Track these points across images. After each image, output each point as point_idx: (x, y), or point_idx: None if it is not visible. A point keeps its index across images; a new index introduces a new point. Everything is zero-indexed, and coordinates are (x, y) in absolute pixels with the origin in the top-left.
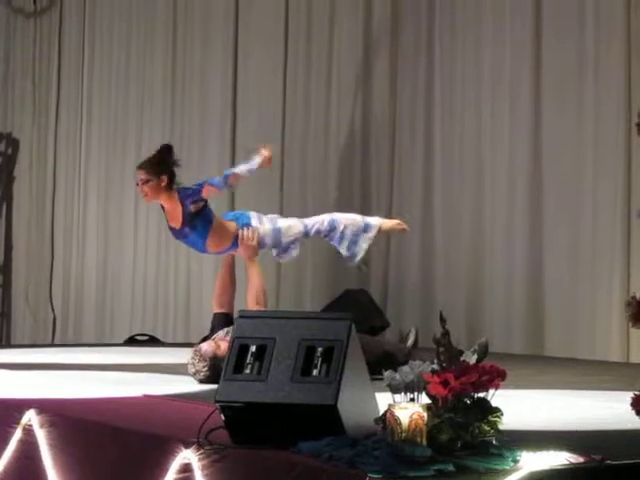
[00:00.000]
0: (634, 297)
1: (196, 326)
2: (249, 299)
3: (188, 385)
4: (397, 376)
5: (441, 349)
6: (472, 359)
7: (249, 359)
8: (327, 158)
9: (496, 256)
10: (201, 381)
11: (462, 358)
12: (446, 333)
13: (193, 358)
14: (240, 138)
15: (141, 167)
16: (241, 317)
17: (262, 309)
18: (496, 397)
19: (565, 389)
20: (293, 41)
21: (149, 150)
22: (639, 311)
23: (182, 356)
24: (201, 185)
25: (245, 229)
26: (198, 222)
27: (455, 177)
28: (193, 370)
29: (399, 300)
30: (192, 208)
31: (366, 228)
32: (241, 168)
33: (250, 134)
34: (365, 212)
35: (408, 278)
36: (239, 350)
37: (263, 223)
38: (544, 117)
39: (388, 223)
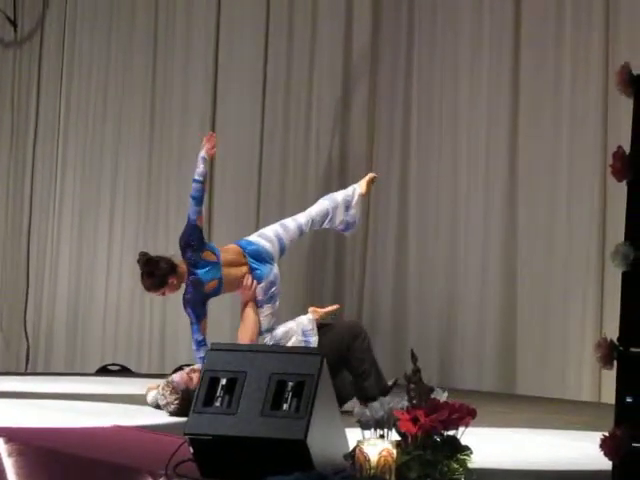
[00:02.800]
0: (604, 338)
1: (171, 356)
2: (244, 339)
3: (159, 416)
4: (367, 412)
5: (412, 386)
6: (442, 397)
7: (219, 392)
8: (305, 191)
9: (469, 293)
10: (171, 413)
11: (433, 395)
12: (417, 370)
13: (164, 389)
14: (218, 168)
15: (150, 290)
16: (213, 350)
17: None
18: (466, 435)
19: (535, 428)
20: (272, 76)
21: (125, 180)
22: (609, 352)
23: None
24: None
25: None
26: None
27: (430, 214)
28: (164, 402)
29: (372, 335)
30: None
31: (349, 203)
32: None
33: (228, 165)
34: (339, 245)
35: (381, 316)
36: (209, 383)
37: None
38: (520, 153)
39: (363, 185)
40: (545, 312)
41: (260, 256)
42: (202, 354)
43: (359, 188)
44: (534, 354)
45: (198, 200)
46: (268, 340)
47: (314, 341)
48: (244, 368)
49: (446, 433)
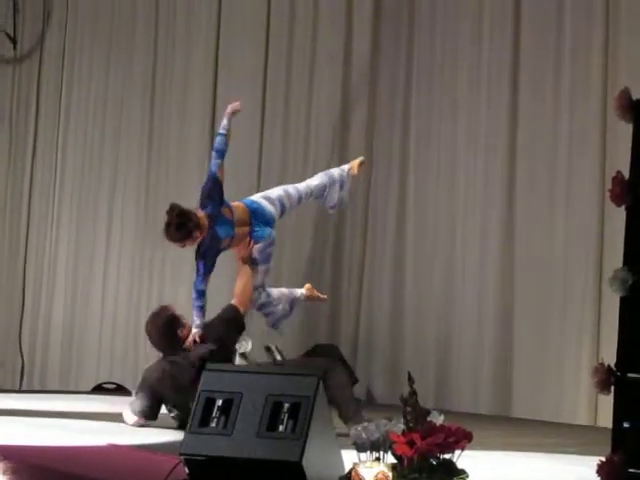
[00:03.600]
0: (602, 363)
1: None
2: (240, 294)
3: (154, 436)
4: (363, 434)
5: (408, 409)
6: (439, 420)
7: (215, 413)
8: (302, 211)
9: (466, 317)
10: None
11: (429, 418)
12: (413, 393)
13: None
14: None
15: (174, 241)
16: (209, 370)
17: (249, 305)
18: (462, 458)
19: (531, 452)
20: (271, 94)
21: (123, 199)
22: (607, 378)
23: None
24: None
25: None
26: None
27: (428, 235)
28: None
29: (369, 357)
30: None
31: (343, 179)
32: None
33: (226, 185)
34: (336, 265)
35: (378, 335)
36: (205, 403)
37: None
38: (518, 177)
39: (355, 167)
40: (542, 335)
41: (263, 217)
42: (201, 303)
43: (351, 170)
44: (530, 377)
45: (220, 153)
46: (263, 298)
47: (294, 312)
48: (240, 389)
49: (442, 456)
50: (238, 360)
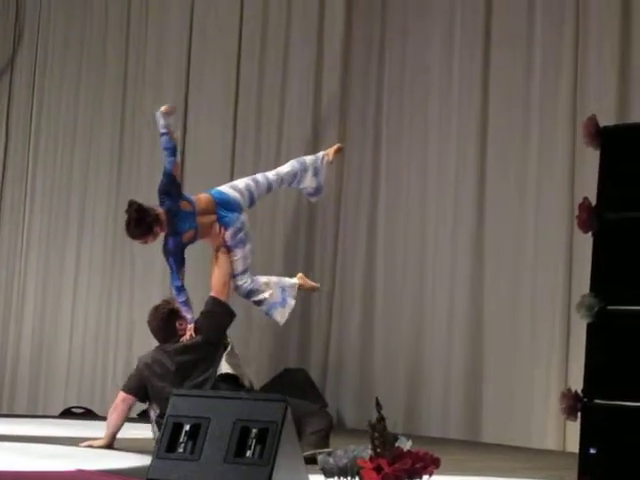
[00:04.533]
0: (569, 389)
1: None
2: (217, 284)
3: (122, 460)
4: (331, 460)
5: (376, 434)
6: (407, 445)
7: (183, 438)
8: (273, 236)
9: (436, 342)
10: None
11: (397, 444)
12: (381, 419)
13: None
14: None
15: (136, 238)
16: (176, 395)
17: (227, 294)
18: None
19: (500, 476)
20: (242, 121)
21: (92, 222)
22: (574, 404)
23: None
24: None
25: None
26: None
27: (398, 264)
28: None
29: (338, 381)
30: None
31: (316, 165)
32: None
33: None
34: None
35: (348, 359)
36: (173, 428)
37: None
38: (487, 205)
39: (330, 153)
40: (511, 361)
41: (229, 205)
42: (183, 298)
43: (326, 156)
44: (500, 403)
45: (170, 150)
46: (248, 284)
47: (290, 302)
48: (208, 414)
49: None
50: (225, 357)
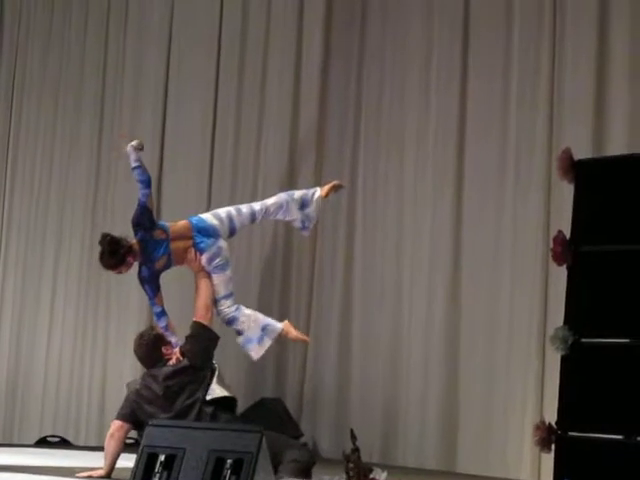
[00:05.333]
0: (542, 422)
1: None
2: (199, 308)
3: None
4: None
5: (350, 465)
6: (382, 476)
7: (157, 468)
8: (249, 267)
9: (412, 373)
10: None
11: (371, 475)
12: (356, 449)
13: None
14: None
15: (109, 268)
16: (151, 425)
17: (210, 318)
18: None
19: None
20: (219, 153)
21: (69, 250)
22: (547, 436)
23: (94, 459)
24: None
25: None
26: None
27: (375, 296)
28: None
29: (314, 410)
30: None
31: (306, 201)
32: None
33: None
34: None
35: (324, 389)
36: (148, 459)
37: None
38: (463, 241)
39: (325, 188)
40: (487, 392)
41: (206, 231)
42: (163, 324)
43: (320, 190)
44: (476, 434)
45: (145, 183)
46: (232, 310)
47: (267, 341)
48: (183, 444)
49: None
50: (215, 380)
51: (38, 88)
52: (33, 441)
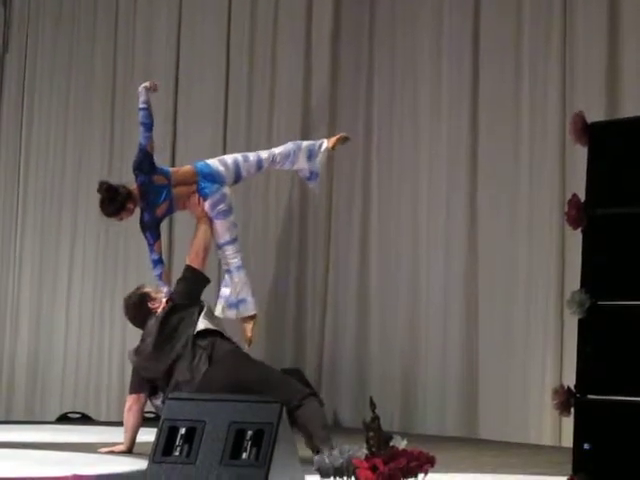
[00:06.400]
0: (561, 386)
1: None
2: (192, 253)
3: (118, 465)
4: (327, 460)
5: (370, 434)
6: (401, 444)
7: (178, 441)
8: (266, 234)
9: (431, 340)
10: None
11: (391, 443)
12: (376, 418)
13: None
14: (177, 223)
15: (110, 216)
16: (171, 399)
17: (200, 262)
18: None
19: (498, 473)
20: (233, 123)
21: (84, 239)
22: (566, 400)
23: (115, 435)
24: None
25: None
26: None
27: (392, 263)
28: None
29: (333, 380)
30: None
31: (313, 152)
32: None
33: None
34: (300, 292)
35: (342, 358)
36: (169, 432)
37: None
38: (479, 207)
39: (332, 140)
40: (506, 358)
41: (210, 176)
42: (158, 272)
43: (327, 142)
44: (496, 399)
45: (147, 126)
46: (237, 260)
47: (231, 312)
48: (203, 417)
49: None
50: (202, 316)
51: (50, 62)
52: (54, 418)
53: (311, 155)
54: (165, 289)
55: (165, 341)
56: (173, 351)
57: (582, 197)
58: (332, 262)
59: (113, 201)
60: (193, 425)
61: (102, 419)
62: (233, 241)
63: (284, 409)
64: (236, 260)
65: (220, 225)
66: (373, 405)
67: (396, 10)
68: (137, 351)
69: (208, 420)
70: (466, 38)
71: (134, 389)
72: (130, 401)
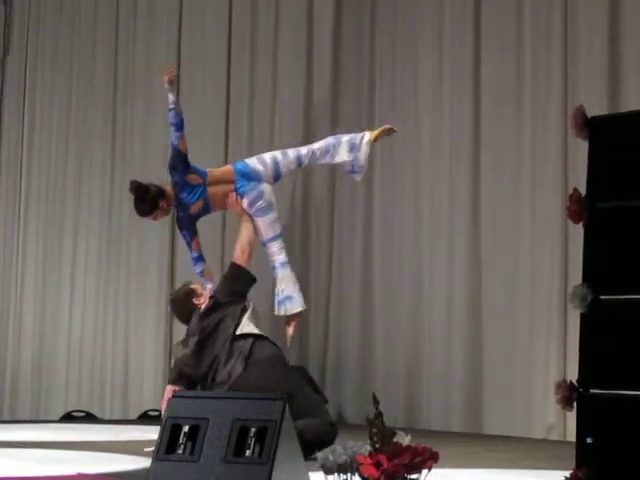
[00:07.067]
0: (564, 380)
1: (134, 402)
2: (236, 251)
3: (124, 464)
4: (330, 457)
5: (374, 430)
6: (405, 440)
7: (182, 439)
8: None
9: (435, 336)
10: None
11: (395, 439)
12: (379, 414)
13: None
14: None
15: (143, 215)
16: (175, 397)
17: (246, 259)
18: (432, 476)
19: (502, 468)
20: (234, 127)
21: (87, 234)
22: (569, 394)
23: (119, 433)
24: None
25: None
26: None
27: (395, 261)
28: None
29: (337, 377)
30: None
31: (354, 144)
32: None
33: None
34: (304, 290)
35: (346, 355)
36: (172, 430)
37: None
38: (482, 202)
39: (375, 132)
40: (510, 353)
41: (248, 175)
42: (199, 269)
43: (369, 134)
44: (500, 394)
45: (177, 126)
46: (283, 256)
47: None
48: (206, 415)
49: (409, 477)
50: (247, 316)
51: (51, 63)
52: (58, 416)
53: (353, 148)
54: (209, 286)
55: (207, 340)
56: (213, 351)
57: (583, 191)
58: (335, 261)
59: (144, 200)
60: (196, 423)
61: (106, 417)
62: (277, 237)
63: (287, 406)
64: (281, 257)
65: (261, 222)
66: (376, 401)
67: (397, 10)
68: (182, 345)
69: (211, 417)
70: (467, 36)
71: (173, 380)
72: (168, 392)
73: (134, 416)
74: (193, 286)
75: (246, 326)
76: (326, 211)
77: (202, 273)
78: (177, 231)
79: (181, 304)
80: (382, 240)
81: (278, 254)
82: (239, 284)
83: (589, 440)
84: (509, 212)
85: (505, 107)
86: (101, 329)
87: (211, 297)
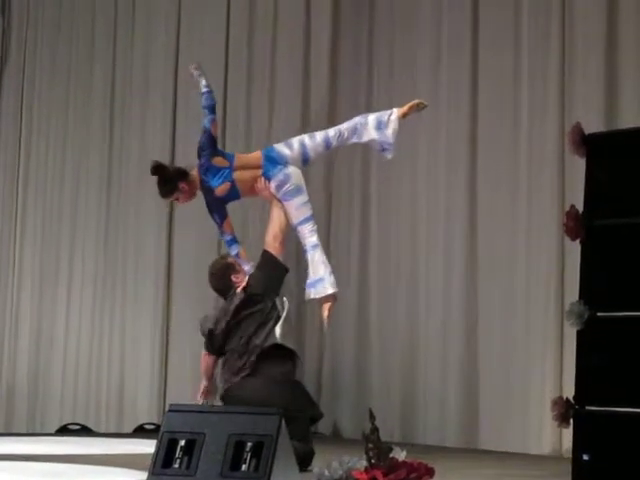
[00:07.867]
0: (560, 397)
1: (129, 415)
2: (268, 237)
3: (119, 477)
4: (326, 472)
5: (370, 445)
6: (401, 455)
7: (178, 453)
8: (264, 237)
9: (431, 350)
10: None
11: (391, 454)
12: (375, 429)
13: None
14: (177, 226)
15: (164, 197)
16: (171, 411)
17: (279, 246)
18: None
19: None
20: (231, 126)
21: (83, 247)
22: (565, 411)
23: (114, 446)
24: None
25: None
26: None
27: (391, 273)
28: None
29: (333, 391)
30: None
31: (381, 122)
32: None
33: (186, 222)
34: (299, 303)
35: (342, 369)
36: (168, 444)
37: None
38: (479, 213)
39: (404, 107)
40: (506, 368)
41: (274, 159)
42: (235, 251)
43: (397, 110)
44: (496, 410)
45: (210, 109)
46: (315, 239)
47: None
48: (203, 429)
49: None
50: (281, 324)
51: (48, 76)
52: (54, 429)
53: (380, 125)
54: (246, 267)
55: (232, 332)
56: (231, 344)
57: (580, 208)
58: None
59: (163, 180)
60: (193, 437)
61: (102, 431)
62: (307, 220)
63: (283, 421)
64: (313, 239)
65: (290, 206)
66: (372, 417)
67: (395, 8)
68: (207, 320)
69: (208, 432)
70: (465, 39)
71: (206, 347)
72: (202, 355)
73: (129, 429)
74: (231, 260)
75: (275, 338)
76: (323, 225)
77: (238, 255)
78: (174, 244)
79: (220, 278)
80: (378, 255)
81: (310, 237)
82: (272, 274)
83: (585, 457)
84: (505, 228)
85: (501, 119)
86: (97, 342)
87: (244, 288)
